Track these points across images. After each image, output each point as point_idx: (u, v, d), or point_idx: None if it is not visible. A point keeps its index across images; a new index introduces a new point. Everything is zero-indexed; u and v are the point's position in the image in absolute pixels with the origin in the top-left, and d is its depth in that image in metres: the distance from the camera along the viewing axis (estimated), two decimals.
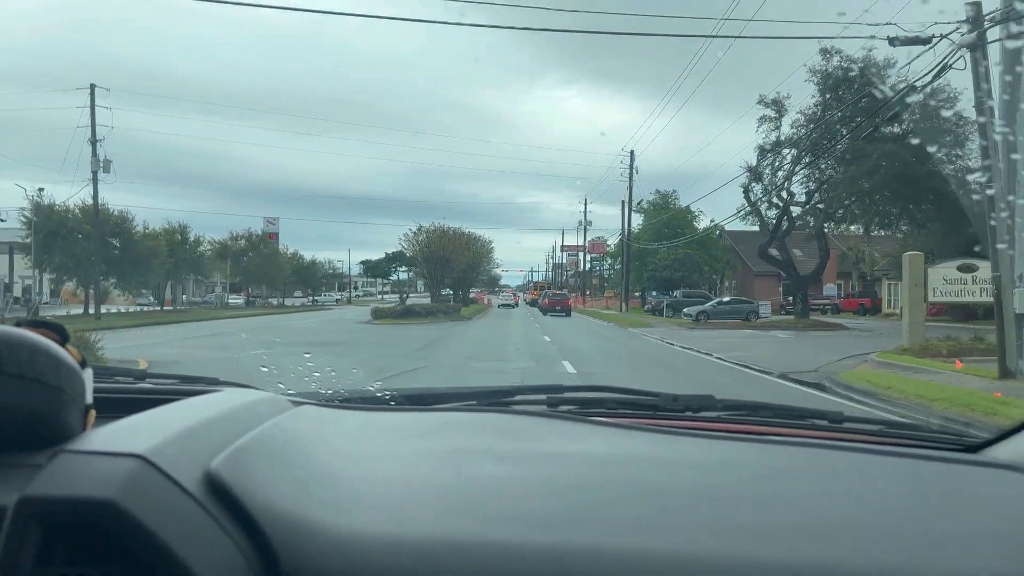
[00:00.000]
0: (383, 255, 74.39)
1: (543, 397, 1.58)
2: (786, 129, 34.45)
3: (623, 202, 58.73)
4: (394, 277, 74.86)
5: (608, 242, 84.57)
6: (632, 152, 57.44)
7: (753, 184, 36.76)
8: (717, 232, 59.15)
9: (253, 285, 69.61)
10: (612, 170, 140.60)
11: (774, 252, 36.34)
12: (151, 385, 1.52)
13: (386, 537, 0.76)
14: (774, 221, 36.78)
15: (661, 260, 56.51)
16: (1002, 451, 1.20)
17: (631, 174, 57.66)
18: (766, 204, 37.45)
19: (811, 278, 37.66)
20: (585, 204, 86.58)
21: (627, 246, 57.57)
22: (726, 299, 44.56)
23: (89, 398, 0.90)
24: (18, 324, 0.86)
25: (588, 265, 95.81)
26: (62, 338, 0.90)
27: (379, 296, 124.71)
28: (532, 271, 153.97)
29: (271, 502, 0.76)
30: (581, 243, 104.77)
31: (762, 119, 35.55)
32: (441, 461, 0.99)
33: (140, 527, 0.66)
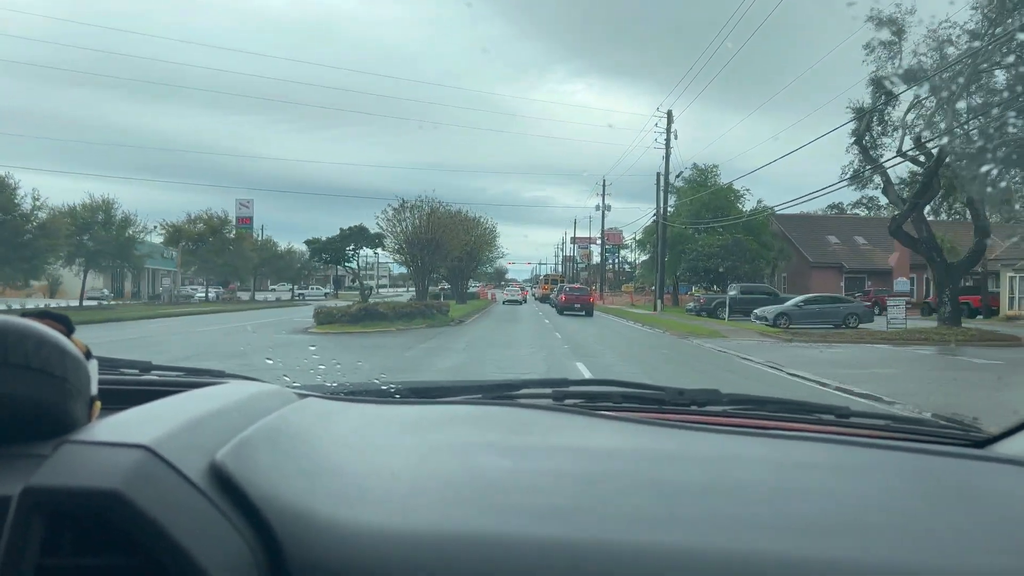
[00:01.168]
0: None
1: (549, 391, 1.63)
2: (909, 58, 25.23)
3: (658, 174, 50.79)
4: (356, 263, 61.28)
5: (626, 233, 71.92)
6: (670, 113, 49.55)
7: (871, 134, 27.91)
8: (766, 215, 52.06)
9: (210, 276, 62.66)
10: (636, 146, 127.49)
11: (910, 230, 27.59)
12: (156, 377, 1.60)
13: (392, 529, 0.79)
14: (903, 186, 28.75)
15: (704, 247, 49.49)
16: (1009, 446, 1.25)
17: (668, 140, 49.78)
18: (882, 161, 28.35)
19: (966, 267, 23.92)
20: (604, 185, 73.54)
21: (663, 228, 49.96)
22: (808, 297, 35.40)
23: (94, 389, 0.97)
24: (23, 315, 0.92)
25: (605, 257, 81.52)
26: (67, 329, 0.96)
27: (375, 291, 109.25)
28: (540, 264, 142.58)
29: (276, 494, 0.80)
30: (592, 235, 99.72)
31: (872, 46, 25.99)
32: (447, 454, 1.06)
33: (145, 518, 0.68)
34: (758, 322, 31.62)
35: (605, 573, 0.75)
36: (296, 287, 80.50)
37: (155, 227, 54.20)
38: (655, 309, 47.12)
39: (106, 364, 1.41)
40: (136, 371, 1.65)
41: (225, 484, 0.77)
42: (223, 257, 57.66)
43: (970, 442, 1.34)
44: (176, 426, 0.83)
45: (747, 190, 55.26)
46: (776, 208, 46.13)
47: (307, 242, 59.56)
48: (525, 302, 68.24)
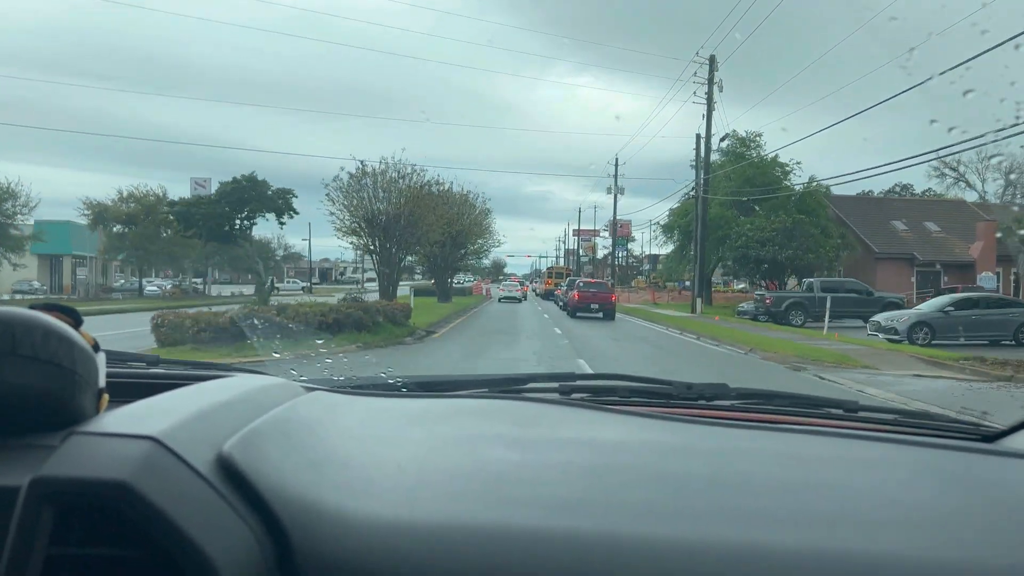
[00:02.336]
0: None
1: (555, 385, 1.67)
2: None
3: (697, 136, 40.75)
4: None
5: (634, 230, 60.03)
6: (712, 59, 38.29)
7: None
8: (826, 190, 43.58)
9: (144, 265, 54.46)
10: (643, 135, 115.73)
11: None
12: (163, 370, 1.64)
13: (399, 521, 0.84)
14: None
15: (755, 231, 40.23)
16: (1019, 440, 1.29)
17: (710, 93, 38.27)
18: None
19: None
20: (616, 164, 67.24)
21: (703, 204, 39.90)
22: (958, 299, 24.82)
23: (102, 382, 1.02)
24: (32, 307, 0.97)
25: (617, 246, 69.63)
26: (75, 321, 1.00)
27: (361, 287, 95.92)
28: (541, 257, 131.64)
29: (283, 485, 0.85)
30: (596, 228, 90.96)
31: None
32: (454, 446, 1.12)
33: (153, 508, 0.71)
34: (881, 336, 23.66)
35: (612, 565, 0.78)
36: (272, 279, 68.82)
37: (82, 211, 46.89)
38: (693, 310, 39.52)
39: (114, 357, 1.47)
40: (143, 364, 1.70)
41: (232, 475, 0.82)
42: (157, 244, 50.27)
43: (980, 436, 1.39)
44: (184, 418, 0.88)
45: (797, 163, 44.07)
46: (836, 179, 35.52)
47: (169, 204, 40.39)
48: (524, 299, 61.63)
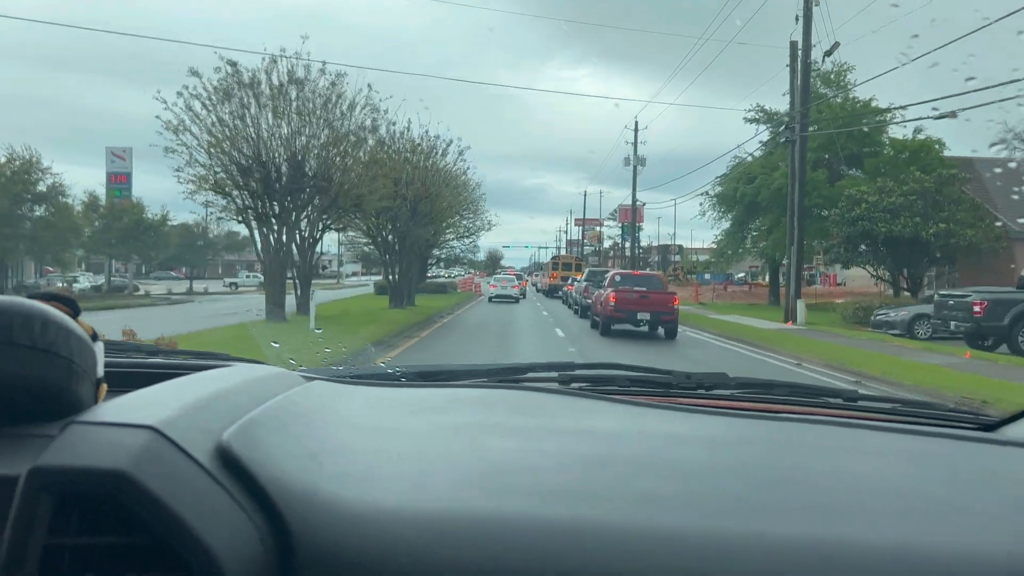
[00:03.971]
0: None
1: (555, 374, 1.66)
2: None
3: (792, 43, 25.99)
4: None
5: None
6: None
7: None
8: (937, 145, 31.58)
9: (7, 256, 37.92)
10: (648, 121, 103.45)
11: None
12: (162, 360, 1.61)
13: (399, 509, 0.84)
14: None
15: (880, 198, 26.10)
16: (1018, 430, 1.28)
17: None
18: None
19: None
20: (636, 129, 57.07)
21: (802, 143, 25.62)
22: None
23: (100, 371, 1.02)
24: (30, 297, 0.97)
25: (634, 228, 55.86)
26: (73, 311, 1.00)
27: (340, 280, 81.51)
28: (541, 248, 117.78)
29: (282, 474, 0.85)
30: (601, 217, 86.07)
31: None
32: (454, 435, 1.11)
33: (152, 498, 0.71)
34: None
35: (611, 554, 0.78)
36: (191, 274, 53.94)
37: None
38: (789, 318, 25.84)
39: (112, 346, 1.46)
40: (142, 354, 1.68)
41: (231, 465, 0.82)
42: (13, 225, 35.01)
43: (979, 426, 1.38)
44: (183, 407, 0.88)
45: (899, 109, 29.92)
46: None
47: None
48: (524, 297, 47.20)
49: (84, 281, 50.14)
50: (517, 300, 41.76)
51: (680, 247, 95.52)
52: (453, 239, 54.62)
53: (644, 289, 20.75)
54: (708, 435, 1.15)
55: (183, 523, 0.69)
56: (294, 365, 1.69)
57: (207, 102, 18.12)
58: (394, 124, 26.56)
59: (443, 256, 65.58)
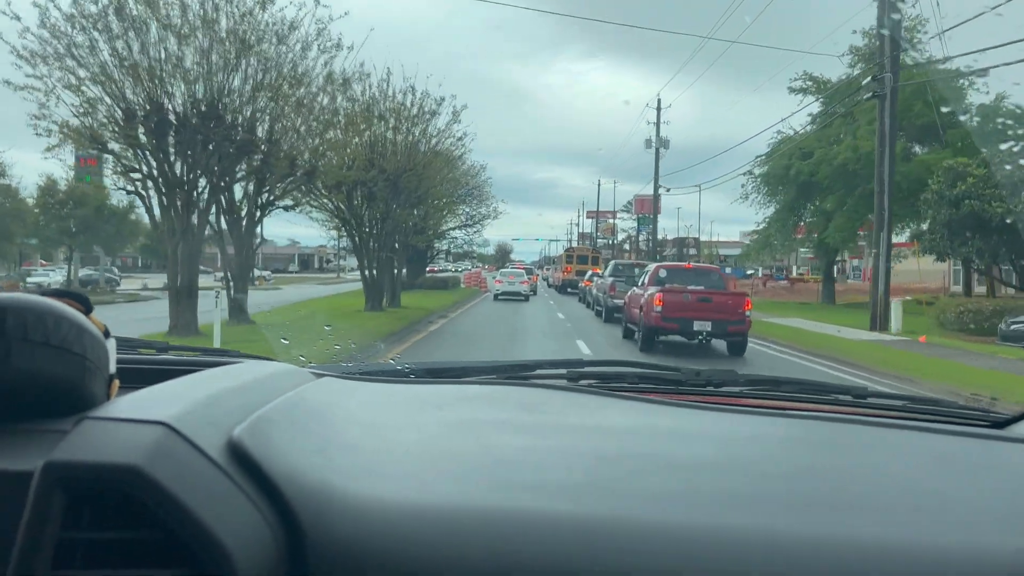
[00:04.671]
0: None
1: (563, 371, 1.66)
2: None
3: None
4: None
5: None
6: None
7: None
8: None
9: None
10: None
11: None
12: (173, 356, 1.64)
13: (407, 504, 0.85)
14: None
15: (994, 176, 20.16)
16: None
17: None
18: None
19: None
20: (659, 107, 51.66)
21: (892, 95, 19.02)
22: None
23: (112, 367, 1.03)
24: (43, 293, 0.98)
25: (655, 216, 57.97)
26: (86, 308, 1.01)
27: (337, 275, 76.64)
28: (552, 241, 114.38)
29: (293, 469, 0.86)
30: (612, 210, 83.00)
31: None
32: (462, 431, 1.13)
33: (165, 493, 0.71)
34: None
35: (619, 550, 0.78)
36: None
37: None
38: (877, 325, 20.05)
39: (124, 343, 1.47)
40: (153, 351, 1.69)
41: (243, 460, 0.83)
42: None
43: (990, 423, 1.38)
44: (194, 403, 0.89)
45: (980, 74, 24.52)
46: None
47: None
48: (534, 294, 41.67)
49: (41, 276, 43.88)
50: (526, 298, 37.61)
51: (697, 239, 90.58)
52: (455, 227, 48.76)
53: (703, 289, 15.50)
54: (717, 432, 1.15)
55: (195, 518, 0.70)
56: (304, 362, 1.72)
57: (76, 18, 12.71)
58: (368, 74, 20.91)
59: (450, 249, 59.99)
